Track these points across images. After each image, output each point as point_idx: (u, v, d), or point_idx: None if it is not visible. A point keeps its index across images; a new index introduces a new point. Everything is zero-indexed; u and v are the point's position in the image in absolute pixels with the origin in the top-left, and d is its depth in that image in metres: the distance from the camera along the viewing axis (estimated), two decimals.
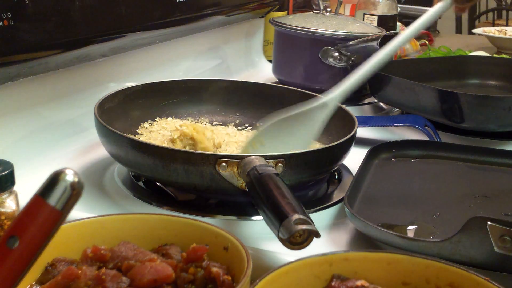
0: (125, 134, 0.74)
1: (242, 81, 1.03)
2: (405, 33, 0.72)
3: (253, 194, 0.62)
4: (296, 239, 0.49)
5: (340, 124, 0.87)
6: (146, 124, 0.92)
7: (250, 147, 0.76)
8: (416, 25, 0.68)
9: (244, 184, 0.67)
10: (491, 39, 1.99)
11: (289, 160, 0.69)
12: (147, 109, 0.93)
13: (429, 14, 0.65)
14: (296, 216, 0.51)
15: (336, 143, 0.75)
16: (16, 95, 0.84)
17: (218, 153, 0.79)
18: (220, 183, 0.68)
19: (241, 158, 0.67)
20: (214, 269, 0.51)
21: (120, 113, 0.87)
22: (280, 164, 0.68)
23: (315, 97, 0.76)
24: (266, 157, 0.67)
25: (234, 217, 0.72)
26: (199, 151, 0.77)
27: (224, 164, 0.67)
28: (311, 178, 0.77)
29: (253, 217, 0.72)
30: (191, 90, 0.98)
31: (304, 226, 0.49)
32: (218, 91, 0.99)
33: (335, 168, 0.82)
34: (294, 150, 0.72)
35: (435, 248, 0.56)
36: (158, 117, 0.94)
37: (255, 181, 0.62)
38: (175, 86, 0.97)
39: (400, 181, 0.83)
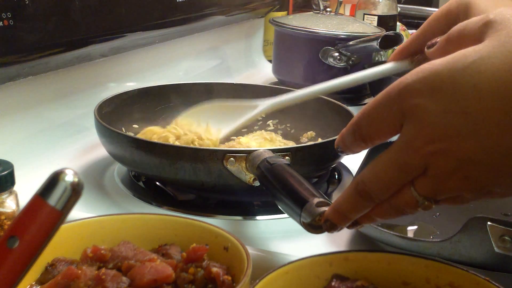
0: (131, 134, 0.74)
1: (238, 83, 1.03)
2: (353, 76, 0.72)
3: (267, 185, 0.62)
4: (318, 222, 0.49)
5: (340, 122, 0.87)
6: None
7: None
8: (365, 74, 0.69)
9: (252, 178, 0.67)
10: None
11: (295, 153, 0.69)
12: (143, 113, 0.93)
13: (381, 69, 0.66)
14: (316, 200, 0.51)
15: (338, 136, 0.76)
16: (16, 95, 0.84)
17: (225, 148, 0.80)
18: (228, 179, 0.68)
19: (249, 152, 0.67)
20: (214, 269, 0.51)
21: (117, 117, 0.87)
22: (287, 157, 0.68)
23: (250, 100, 0.80)
24: (273, 151, 0.67)
25: (234, 217, 0.72)
26: (207, 147, 0.77)
27: (232, 159, 0.67)
28: (316, 172, 0.78)
29: (254, 217, 0.73)
30: (187, 94, 0.98)
31: (326, 208, 0.49)
32: (214, 93, 0.99)
33: (337, 162, 0.82)
34: (300, 144, 0.73)
35: (435, 248, 0.56)
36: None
37: (267, 173, 0.62)
38: (171, 89, 0.97)
39: None
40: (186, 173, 0.69)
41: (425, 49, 0.51)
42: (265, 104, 0.77)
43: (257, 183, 0.67)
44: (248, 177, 0.68)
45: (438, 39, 0.50)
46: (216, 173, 0.68)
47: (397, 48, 0.64)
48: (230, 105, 0.81)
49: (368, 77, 0.69)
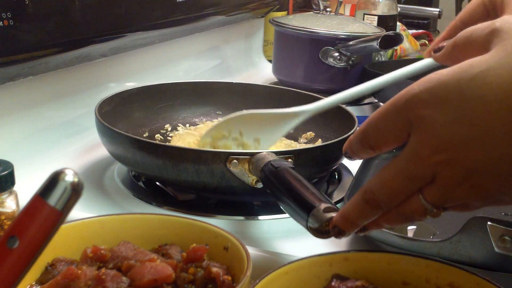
0: (133, 135, 0.74)
1: (235, 83, 1.03)
2: (398, 72, 0.70)
3: (271, 188, 0.62)
4: (326, 228, 0.50)
5: (339, 123, 0.87)
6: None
7: (209, 137, 0.76)
8: (407, 70, 0.68)
9: (255, 181, 0.67)
10: None
11: (298, 155, 0.70)
12: (143, 112, 0.93)
13: (422, 64, 0.65)
14: (324, 205, 0.51)
15: (342, 137, 0.76)
16: (16, 95, 0.84)
17: (228, 150, 0.79)
18: (230, 180, 0.68)
19: (252, 154, 0.67)
20: (214, 269, 0.51)
21: (117, 115, 0.87)
22: (289, 160, 0.68)
23: (288, 109, 0.73)
24: (276, 153, 0.67)
25: (234, 217, 0.72)
26: (210, 149, 0.77)
27: (235, 161, 0.67)
28: (318, 173, 0.78)
29: (254, 217, 0.73)
30: (186, 92, 0.98)
31: (333, 214, 0.49)
32: (213, 93, 0.99)
33: (338, 164, 0.82)
34: (302, 146, 0.72)
35: (435, 248, 0.56)
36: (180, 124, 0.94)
37: (271, 176, 0.62)
38: (170, 88, 0.97)
39: None
40: (189, 175, 0.69)
41: (432, 53, 0.52)
42: (307, 112, 0.72)
43: (259, 185, 0.67)
44: (251, 179, 0.68)
45: (445, 44, 0.50)
46: (219, 175, 0.68)
47: (435, 40, 0.63)
48: (265, 114, 0.75)
49: (410, 73, 0.66)
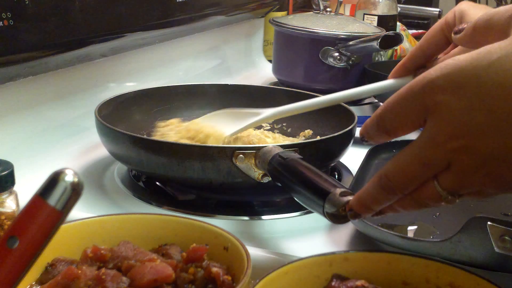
0: (137, 135, 0.74)
1: (231, 84, 1.03)
2: (352, 91, 0.73)
3: (281, 179, 0.63)
4: (343, 212, 0.50)
5: (337, 120, 0.87)
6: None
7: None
8: (364, 89, 0.70)
9: (261, 175, 0.67)
10: None
11: (303, 148, 0.70)
12: (140, 115, 0.93)
13: (382, 85, 0.66)
14: (339, 190, 0.51)
15: (345, 130, 0.77)
16: (16, 95, 0.84)
17: (234, 145, 0.80)
18: (236, 176, 0.68)
19: (258, 148, 0.67)
20: (214, 269, 0.51)
21: (115, 119, 0.86)
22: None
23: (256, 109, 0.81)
24: (282, 147, 0.67)
25: (234, 217, 0.72)
26: (216, 145, 0.77)
27: (241, 156, 0.67)
28: (321, 168, 0.78)
29: (254, 217, 0.73)
30: (183, 95, 0.98)
31: (350, 197, 0.50)
32: (209, 95, 0.99)
33: (340, 158, 0.82)
34: (306, 140, 0.75)
35: (435, 248, 0.56)
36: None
37: (281, 167, 0.62)
38: (167, 91, 0.97)
39: None
40: (195, 172, 0.69)
41: (452, 35, 0.52)
42: (267, 112, 0.78)
43: (265, 180, 0.68)
44: (257, 173, 0.68)
45: (465, 26, 0.50)
46: (225, 171, 0.68)
47: (396, 65, 0.64)
48: (238, 111, 0.83)
49: (367, 92, 0.70)
